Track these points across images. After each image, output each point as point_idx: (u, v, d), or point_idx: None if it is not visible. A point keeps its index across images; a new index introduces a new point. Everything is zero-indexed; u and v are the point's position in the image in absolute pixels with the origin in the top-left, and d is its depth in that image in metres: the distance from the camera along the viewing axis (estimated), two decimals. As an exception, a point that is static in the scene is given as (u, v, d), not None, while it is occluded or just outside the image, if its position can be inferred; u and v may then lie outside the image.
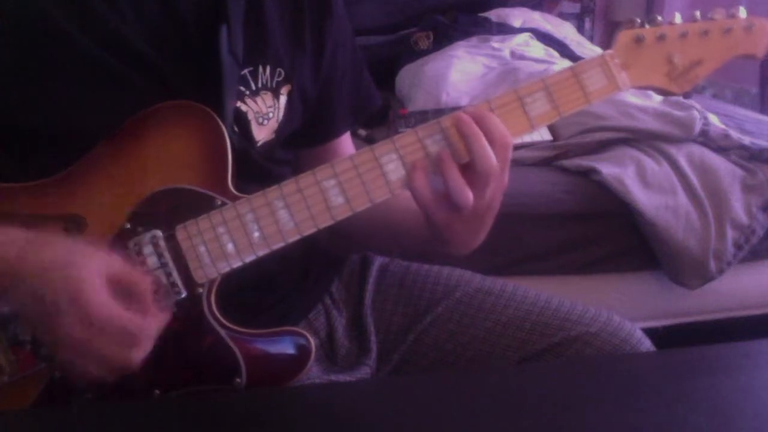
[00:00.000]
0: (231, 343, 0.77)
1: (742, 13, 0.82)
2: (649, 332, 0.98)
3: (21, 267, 0.66)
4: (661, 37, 0.81)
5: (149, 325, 0.68)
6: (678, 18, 0.82)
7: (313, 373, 0.91)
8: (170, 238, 0.75)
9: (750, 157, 1.73)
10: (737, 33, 0.82)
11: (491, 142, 0.74)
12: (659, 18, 0.82)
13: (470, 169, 0.75)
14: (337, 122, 1.00)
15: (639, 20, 0.81)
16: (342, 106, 0.99)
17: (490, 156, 0.74)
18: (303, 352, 0.79)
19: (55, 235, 0.70)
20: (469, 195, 0.74)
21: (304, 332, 0.80)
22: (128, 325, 0.66)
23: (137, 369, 0.68)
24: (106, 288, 0.66)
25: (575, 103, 0.79)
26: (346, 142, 1.03)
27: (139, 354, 0.68)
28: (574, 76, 0.79)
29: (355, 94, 1.00)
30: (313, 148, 0.99)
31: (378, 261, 1.05)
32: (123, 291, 0.68)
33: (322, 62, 0.93)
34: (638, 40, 0.81)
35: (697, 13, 0.82)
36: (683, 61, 0.81)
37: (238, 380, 0.77)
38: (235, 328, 0.77)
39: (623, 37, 0.81)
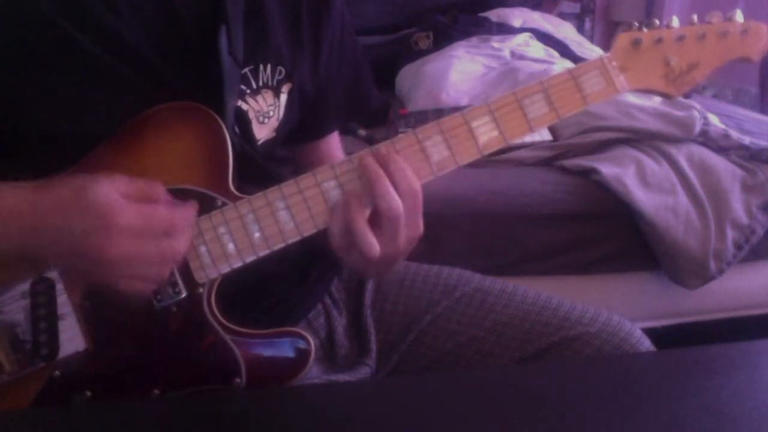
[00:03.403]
0: (231, 344, 0.77)
1: (739, 17, 0.82)
2: (649, 332, 0.98)
3: (40, 219, 0.68)
4: (659, 41, 0.81)
5: (181, 211, 0.71)
6: (675, 21, 0.82)
7: (313, 373, 0.91)
8: (171, 239, 0.75)
9: (750, 157, 1.73)
10: (733, 37, 0.82)
11: (396, 187, 0.73)
12: (657, 21, 0.82)
13: (379, 217, 0.74)
14: (326, 122, 1.01)
15: (637, 23, 0.82)
16: (334, 106, 0.99)
17: (393, 199, 0.73)
18: (303, 352, 0.79)
19: (54, 181, 0.71)
20: (376, 248, 0.73)
21: (304, 333, 0.80)
22: (163, 216, 0.69)
23: (183, 259, 0.72)
24: (125, 200, 0.68)
25: (573, 106, 0.79)
26: (333, 142, 1.03)
27: (184, 241, 0.71)
28: (572, 78, 0.79)
29: (350, 95, 1.00)
30: (297, 146, 1.00)
31: (378, 261, 1.05)
32: (142, 200, 0.70)
33: (320, 61, 0.93)
34: (636, 43, 0.81)
35: (695, 17, 0.82)
36: (680, 64, 0.82)
37: (238, 380, 0.77)
38: (236, 328, 0.77)
39: (621, 40, 0.81)
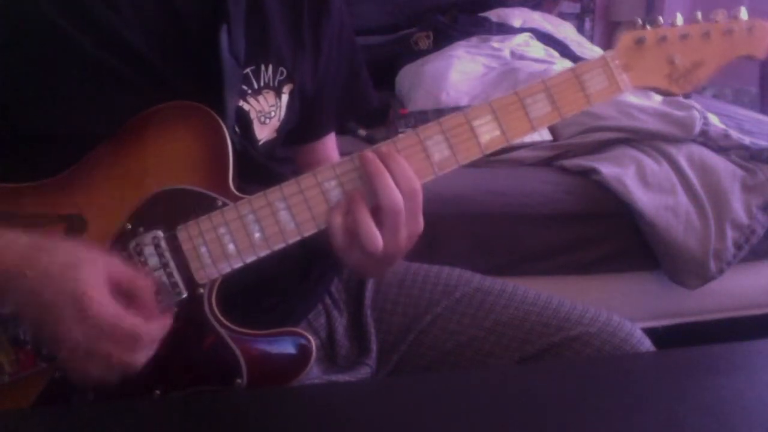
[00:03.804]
0: (232, 344, 0.77)
1: (743, 14, 0.82)
2: (649, 332, 0.98)
3: (21, 271, 0.66)
4: (663, 39, 0.81)
5: (152, 327, 0.69)
6: (679, 19, 0.82)
7: (314, 373, 0.91)
8: (171, 239, 0.75)
9: (750, 157, 1.73)
10: (738, 34, 0.82)
11: (396, 183, 0.74)
12: (660, 19, 0.82)
13: (380, 211, 0.74)
14: (323, 123, 1.01)
15: (640, 21, 0.81)
16: (331, 107, 0.99)
17: (394, 193, 0.73)
18: (304, 352, 0.79)
19: (55, 239, 0.70)
20: (380, 241, 0.74)
21: (305, 333, 0.80)
22: (131, 328, 0.67)
23: (138, 371, 0.69)
24: (108, 291, 0.67)
25: (576, 105, 0.79)
26: (329, 143, 1.03)
27: (142, 357, 0.68)
28: (575, 77, 0.79)
29: (347, 95, 1.00)
30: (293, 148, 1.00)
31: (378, 261, 1.05)
32: (125, 294, 0.68)
33: (320, 61, 0.93)
34: (639, 42, 0.81)
35: (699, 15, 0.82)
36: (684, 63, 0.81)
37: (238, 381, 0.77)
38: (236, 328, 0.77)
39: (624, 38, 0.81)
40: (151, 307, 0.69)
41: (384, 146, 0.76)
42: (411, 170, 0.75)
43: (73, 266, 0.66)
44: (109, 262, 0.69)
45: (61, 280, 0.66)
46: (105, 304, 0.66)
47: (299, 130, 0.96)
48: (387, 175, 0.74)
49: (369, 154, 0.75)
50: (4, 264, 0.67)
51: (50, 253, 0.68)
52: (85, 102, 0.78)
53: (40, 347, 0.74)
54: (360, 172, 0.76)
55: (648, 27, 0.81)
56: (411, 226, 0.76)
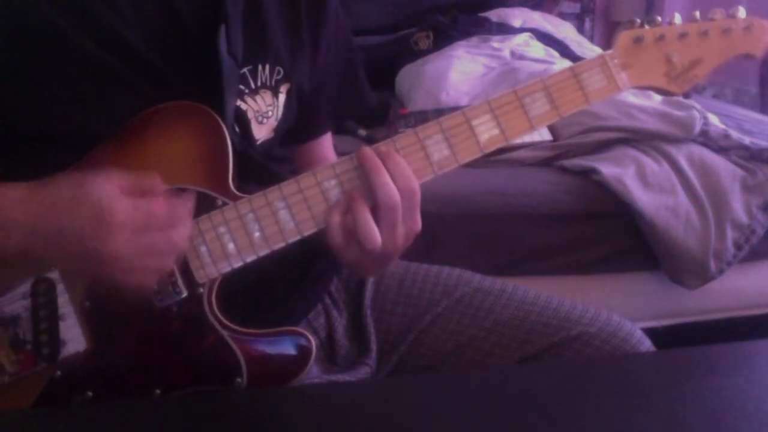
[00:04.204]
0: (232, 343, 0.77)
1: (742, 13, 0.82)
2: (649, 332, 0.98)
3: (38, 219, 0.68)
4: (661, 38, 0.81)
5: (177, 205, 0.71)
6: (677, 18, 0.82)
7: (313, 373, 0.91)
8: (171, 238, 0.75)
9: (750, 157, 1.73)
10: (736, 33, 0.82)
11: (394, 182, 0.74)
12: (659, 18, 0.82)
13: (377, 208, 0.75)
14: (320, 123, 1.01)
15: (639, 21, 0.82)
16: (328, 107, 0.99)
17: (391, 190, 0.74)
18: (304, 352, 0.79)
19: (52, 179, 0.71)
20: (378, 237, 0.74)
21: (305, 332, 0.80)
22: (159, 208, 0.69)
23: (185, 250, 0.72)
24: (122, 195, 0.68)
25: (575, 104, 0.79)
26: (326, 143, 1.04)
27: (182, 232, 0.71)
28: (573, 76, 0.79)
29: (344, 95, 1.00)
30: (290, 147, 1.00)
31: (378, 261, 1.05)
32: (138, 193, 0.69)
33: (318, 61, 0.93)
34: (638, 41, 0.81)
35: (697, 14, 0.82)
36: (682, 61, 0.81)
37: (238, 380, 0.77)
38: (236, 328, 0.77)
39: (623, 37, 0.81)
40: (166, 193, 0.71)
41: (383, 145, 0.77)
42: (409, 169, 0.75)
43: (80, 190, 0.68)
44: (109, 174, 0.69)
45: (77, 208, 0.67)
46: (126, 203, 0.67)
47: (297, 130, 0.96)
48: (384, 171, 0.74)
49: (367, 150, 0.76)
50: (13, 221, 0.68)
51: (52, 189, 0.69)
52: (85, 102, 0.78)
53: (40, 347, 0.74)
54: (359, 171, 0.76)
55: (646, 26, 0.81)
56: (409, 224, 0.76)
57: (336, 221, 0.75)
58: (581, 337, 0.94)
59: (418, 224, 0.77)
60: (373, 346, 0.97)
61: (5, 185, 0.70)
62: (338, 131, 1.70)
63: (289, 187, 0.76)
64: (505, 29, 2.69)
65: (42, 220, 0.68)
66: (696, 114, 1.75)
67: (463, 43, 2.44)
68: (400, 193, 0.74)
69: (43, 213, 0.68)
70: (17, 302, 0.74)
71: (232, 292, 0.78)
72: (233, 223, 0.76)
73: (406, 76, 2.31)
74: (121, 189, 0.68)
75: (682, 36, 0.81)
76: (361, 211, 0.74)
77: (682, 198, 1.63)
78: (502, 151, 1.71)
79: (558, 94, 0.78)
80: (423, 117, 1.79)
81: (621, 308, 1.61)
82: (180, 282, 0.75)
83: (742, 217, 1.63)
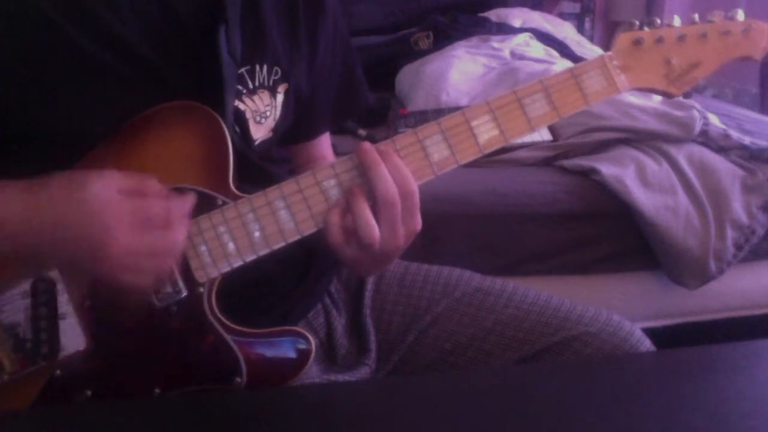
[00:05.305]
0: (231, 343, 0.77)
1: (740, 15, 0.82)
2: (649, 332, 0.98)
3: (36, 219, 0.68)
4: (660, 40, 0.81)
5: (175, 206, 0.71)
6: (677, 20, 0.82)
7: (313, 372, 0.91)
8: (171, 238, 0.75)
9: (750, 157, 1.73)
10: (735, 35, 0.82)
11: (393, 180, 0.75)
12: (657, 20, 0.82)
13: (375, 203, 0.75)
14: (317, 124, 1.01)
15: (638, 23, 0.82)
16: (325, 107, 0.99)
17: (389, 184, 0.74)
18: (303, 351, 0.79)
19: (50, 178, 0.71)
20: (376, 231, 0.74)
21: (304, 332, 0.81)
22: (157, 209, 0.69)
23: (181, 250, 0.72)
24: (120, 195, 0.68)
25: (574, 105, 0.79)
26: (324, 143, 1.04)
27: (181, 233, 0.71)
28: (573, 77, 0.79)
29: (342, 96, 1.00)
30: (288, 148, 1.00)
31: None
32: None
33: (315, 61, 0.93)
34: (637, 43, 0.81)
35: (696, 16, 0.82)
36: (681, 63, 0.82)
37: (238, 380, 0.77)
38: (236, 327, 0.77)
39: (622, 39, 0.81)
40: (164, 194, 0.71)
41: (382, 145, 0.77)
42: (407, 170, 0.76)
43: (78, 191, 0.68)
44: (107, 174, 0.70)
45: (76, 208, 0.68)
46: (124, 203, 0.68)
47: (295, 130, 0.96)
48: (383, 165, 0.75)
49: (366, 145, 0.76)
50: (12, 215, 0.68)
51: (51, 187, 0.69)
52: (85, 102, 0.78)
53: (39, 346, 0.74)
54: (359, 170, 0.76)
55: (645, 28, 0.81)
56: (409, 224, 0.76)
57: (335, 221, 0.75)
58: (581, 337, 0.94)
59: (419, 224, 0.78)
60: (373, 346, 0.97)
61: (3, 182, 0.70)
62: (338, 131, 1.70)
63: (288, 186, 0.76)
64: (505, 29, 2.69)
65: (40, 218, 0.68)
66: (696, 114, 1.75)
67: (463, 43, 2.44)
68: (399, 194, 0.74)
69: (40, 213, 0.68)
70: (17, 302, 0.74)
71: (232, 292, 0.78)
72: (233, 222, 0.76)
73: (406, 76, 2.31)
74: (120, 190, 0.69)
75: (681, 38, 0.81)
76: (360, 206, 0.75)
77: (682, 198, 1.63)
78: (502, 151, 1.70)
79: (557, 95, 0.78)
80: (423, 117, 1.79)
81: (621, 308, 1.61)
82: (180, 282, 0.76)
83: (742, 217, 1.63)
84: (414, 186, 0.76)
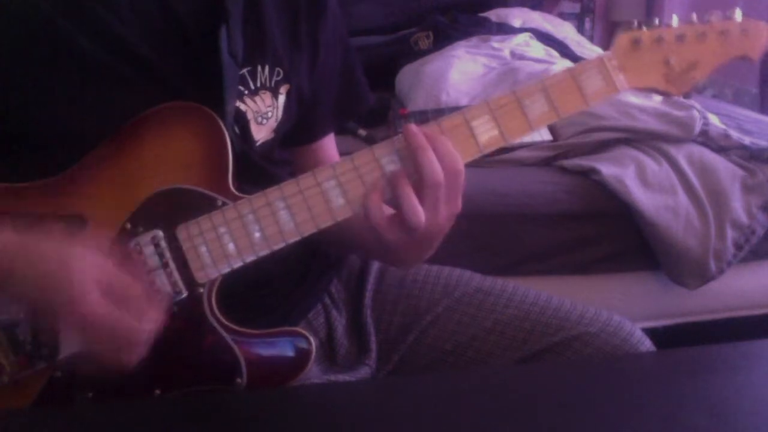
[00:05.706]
0: (232, 343, 0.77)
1: (738, 15, 0.82)
2: (649, 332, 0.98)
3: (14, 273, 0.67)
4: (659, 40, 0.81)
5: (144, 328, 0.68)
6: (675, 21, 0.82)
7: (313, 372, 0.91)
8: (171, 238, 0.76)
9: (750, 157, 1.73)
10: (733, 35, 0.82)
11: (440, 161, 0.74)
12: (656, 20, 0.82)
13: (420, 185, 0.75)
14: (320, 125, 1.01)
15: (636, 23, 0.82)
16: (327, 109, 0.99)
17: (436, 168, 0.74)
18: (303, 352, 0.79)
19: (48, 239, 0.70)
20: (421, 214, 0.74)
21: (305, 332, 0.81)
22: (121, 328, 0.67)
23: (137, 370, 0.69)
24: (99, 292, 0.66)
25: (573, 105, 0.79)
26: (328, 145, 1.03)
27: (133, 357, 0.69)
28: (572, 78, 0.79)
29: (343, 97, 1.00)
30: (291, 149, 1.00)
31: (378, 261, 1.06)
32: (117, 296, 0.68)
33: (317, 62, 0.93)
34: (636, 43, 0.81)
35: (694, 16, 0.82)
36: (680, 63, 0.82)
37: (238, 380, 0.77)
38: (236, 328, 0.77)
39: (621, 39, 0.81)
40: (143, 308, 0.69)
41: (426, 128, 0.76)
42: (454, 150, 0.75)
43: (64, 266, 0.67)
44: (100, 264, 0.68)
45: (53, 280, 0.66)
46: (94, 305, 0.66)
47: (297, 132, 0.96)
48: (430, 149, 0.74)
49: (413, 127, 0.76)
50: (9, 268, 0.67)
51: (42, 253, 0.68)
52: (85, 102, 0.78)
53: (39, 347, 0.74)
54: (359, 172, 0.76)
55: (644, 28, 0.81)
56: (451, 205, 0.76)
57: (376, 202, 0.75)
58: (581, 337, 0.94)
59: (459, 205, 0.77)
60: (373, 346, 0.98)
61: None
62: (338, 132, 1.70)
63: (289, 187, 0.76)
64: (505, 29, 2.69)
65: (18, 275, 0.67)
66: (696, 114, 1.75)
67: (463, 43, 2.44)
68: (445, 173, 0.74)
69: (20, 264, 0.67)
70: (16, 302, 0.74)
71: (232, 293, 0.78)
72: (233, 223, 0.76)
73: (406, 76, 2.31)
74: (103, 282, 0.67)
75: (680, 38, 0.81)
76: (405, 190, 0.74)
77: (682, 198, 1.63)
78: (502, 151, 1.70)
79: (557, 96, 0.78)
80: (423, 117, 1.79)
81: (621, 308, 1.61)
82: (180, 282, 0.76)
83: (742, 217, 1.63)
84: (461, 165, 0.75)
